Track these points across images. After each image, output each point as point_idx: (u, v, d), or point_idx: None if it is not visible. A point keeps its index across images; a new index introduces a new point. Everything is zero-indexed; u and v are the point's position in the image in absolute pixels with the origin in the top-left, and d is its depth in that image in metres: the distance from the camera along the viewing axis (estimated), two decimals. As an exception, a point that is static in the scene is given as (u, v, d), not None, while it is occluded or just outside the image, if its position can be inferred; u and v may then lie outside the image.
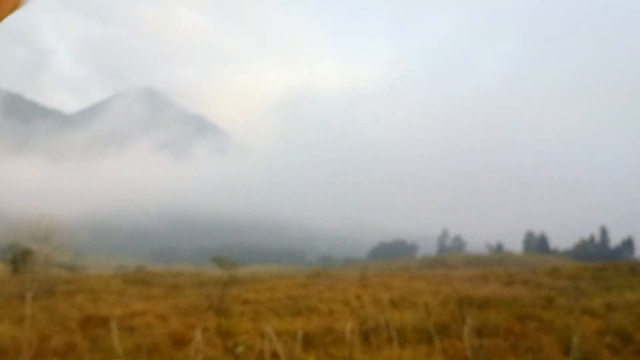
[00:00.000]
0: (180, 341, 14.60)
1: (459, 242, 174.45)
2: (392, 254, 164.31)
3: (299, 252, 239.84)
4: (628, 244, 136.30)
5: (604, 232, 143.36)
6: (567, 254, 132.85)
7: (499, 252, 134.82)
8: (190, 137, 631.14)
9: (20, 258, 15.79)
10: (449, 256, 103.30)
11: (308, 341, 14.35)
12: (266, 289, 31.44)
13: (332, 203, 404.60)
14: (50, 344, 13.27)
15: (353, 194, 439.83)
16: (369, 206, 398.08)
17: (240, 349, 8.78)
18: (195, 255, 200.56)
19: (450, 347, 12.90)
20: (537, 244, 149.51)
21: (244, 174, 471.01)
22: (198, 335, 11.57)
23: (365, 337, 14.60)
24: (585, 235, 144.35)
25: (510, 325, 15.15)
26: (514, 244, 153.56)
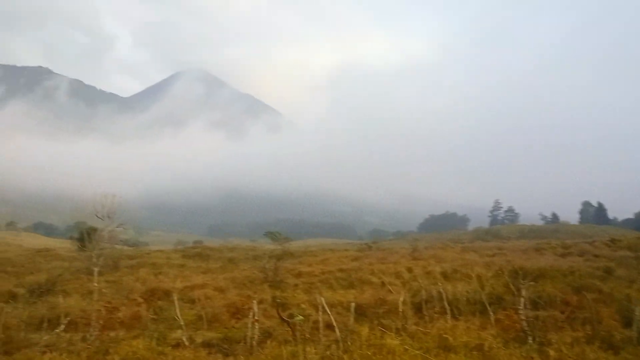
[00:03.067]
0: (237, 312, 15.18)
1: (512, 214, 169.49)
2: (443, 226, 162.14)
3: (349, 226, 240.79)
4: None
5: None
6: (627, 224, 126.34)
7: (554, 223, 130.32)
8: (243, 116, 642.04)
9: (86, 236, 16.72)
10: (502, 228, 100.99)
11: (361, 313, 14.58)
12: (318, 262, 31.95)
13: (382, 177, 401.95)
14: (117, 315, 14.07)
15: (402, 167, 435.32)
16: (419, 179, 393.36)
17: (298, 319, 9.05)
18: (249, 229, 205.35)
19: (505, 318, 12.78)
20: (595, 214, 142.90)
21: (295, 151, 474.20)
22: (255, 307, 11.98)
23: (418, 308, 14.67)
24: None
25: (566, 296, 14.82)
26: (570, 215, 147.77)
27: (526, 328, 11.01)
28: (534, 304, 14.16)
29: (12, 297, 17.13)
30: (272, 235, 56.43)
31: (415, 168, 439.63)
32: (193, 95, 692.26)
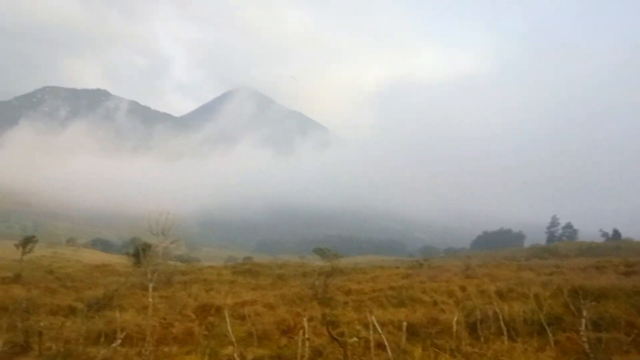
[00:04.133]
0: (287, 330, 15.17)
1: (570, 230, 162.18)
2: (498, 243, 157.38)
3: (399, 242, 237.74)
4: None
5: None
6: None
7: (615, 239, 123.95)
8: (292, 132, 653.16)
9: (140, 252, 17.29)
10: (560, 245, 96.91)
11: (413, 332, 14.26)
12: (368, 279, 31.60)
13: (433, 192, 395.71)
14: (171, 330, 14.35)
15: (454, 183, 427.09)
16: (472, 194, 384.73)
17: (354, 340, 8.93)
18: (299, 246, 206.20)
19: (565, 340, 12.18)
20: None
21: (344, 167, 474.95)
22: (305, 325, 11.94)
23: (473, 329, 14.22)
24: None
25: (631, 318, 13.98)
26: (633, 231, 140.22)
27: (588, 350, 10.46)
28: (596, 326, 13.44)
29: (72, 311, 17.82)
30: (321, 252, 56.57)
31: (468, 183, 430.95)
32: (244, 113, 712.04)
